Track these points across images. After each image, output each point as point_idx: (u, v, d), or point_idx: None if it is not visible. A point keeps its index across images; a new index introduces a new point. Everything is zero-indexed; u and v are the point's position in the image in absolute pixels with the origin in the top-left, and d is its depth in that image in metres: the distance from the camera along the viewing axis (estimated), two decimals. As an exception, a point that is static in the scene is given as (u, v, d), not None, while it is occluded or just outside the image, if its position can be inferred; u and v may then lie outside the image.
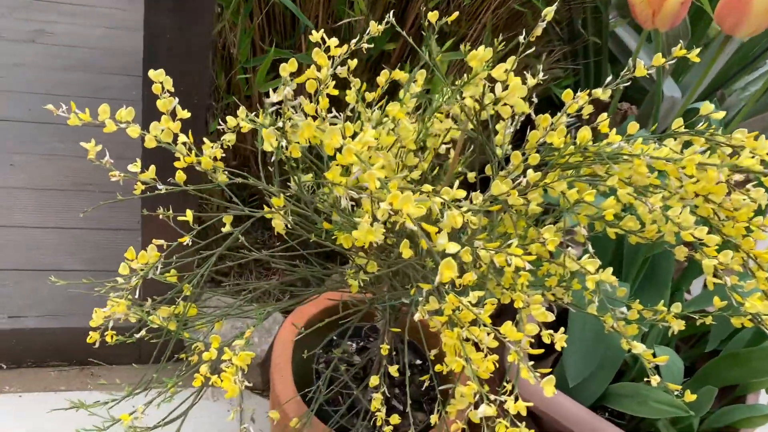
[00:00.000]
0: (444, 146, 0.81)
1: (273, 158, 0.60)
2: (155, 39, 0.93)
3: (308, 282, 0.90)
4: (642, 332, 0.99)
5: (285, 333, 1.16)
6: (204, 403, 1.37)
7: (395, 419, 0.72)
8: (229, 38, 1.29)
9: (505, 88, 0.61)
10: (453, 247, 0.43)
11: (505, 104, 0.68)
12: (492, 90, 0.64)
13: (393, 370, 0.71)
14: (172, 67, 0.97)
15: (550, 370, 0.53)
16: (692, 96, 0.95)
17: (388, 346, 0.72)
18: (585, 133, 0.59)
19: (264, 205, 0.67)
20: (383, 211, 0.46)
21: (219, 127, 0.73)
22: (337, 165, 0.54)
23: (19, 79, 1.82)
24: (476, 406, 0.58)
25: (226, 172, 0.72)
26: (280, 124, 0.55)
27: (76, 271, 1.43)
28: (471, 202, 0.65)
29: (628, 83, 0.71)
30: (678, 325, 0.77)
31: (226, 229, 0.73)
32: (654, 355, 0.67)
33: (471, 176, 0.81)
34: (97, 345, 0.69)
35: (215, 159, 0.73)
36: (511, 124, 0.75)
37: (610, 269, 0.58)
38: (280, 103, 0.66)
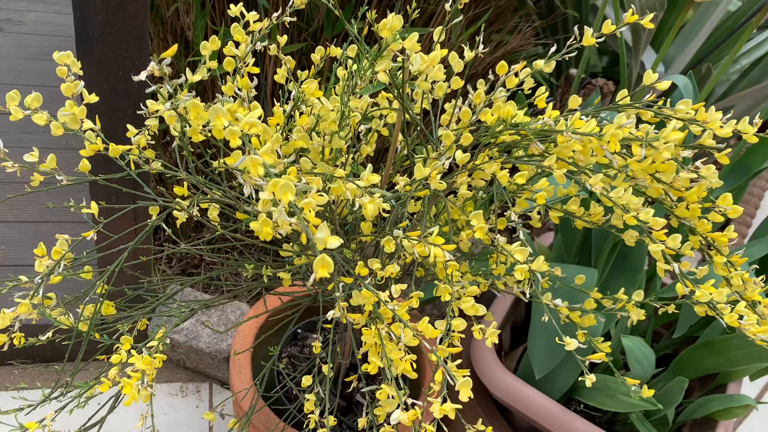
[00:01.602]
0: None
1: (175, 143, 0.55)
2: (87, 21, 0.87)
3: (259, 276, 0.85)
4: (609, 321, 0.94)
5: (245, 328, 1.12)
6: (172, 400, 1.33)
7: (332, 421, 0.67)
8: (185, 21, 1.24)
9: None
10: (334, 242, 0.37)
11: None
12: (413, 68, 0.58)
13: (326, 369, 0.66)
14: (108, 51, 0.92)
15: (468, 371, 0.48)
16: (657, 65, 0.89)
17: (320, 344, 0.67)
18: (508, 108, 0.53)
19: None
20: (264, 202, 0.41)
21: (140, 111, 0.68)
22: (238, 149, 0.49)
23: (-13, 70, 1.78)
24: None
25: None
26: (168, 105, 0.49)
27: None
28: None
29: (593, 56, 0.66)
30: (637, 315, 0.71)
31: (154, 219, 0.68)
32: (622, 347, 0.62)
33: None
34: (5, 348, 0.64)
35: (144, 147, 0.69)
36: (463, 102, 0.70)
37: (542, 258, 0.52)
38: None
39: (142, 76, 0.46)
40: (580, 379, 0.97)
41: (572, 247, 1.01)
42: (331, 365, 0.66)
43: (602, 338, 0.74)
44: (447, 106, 0.72)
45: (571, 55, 0.65)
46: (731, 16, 1.46)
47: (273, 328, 1.10)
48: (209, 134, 0.56)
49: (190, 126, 0.54)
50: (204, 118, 0.48)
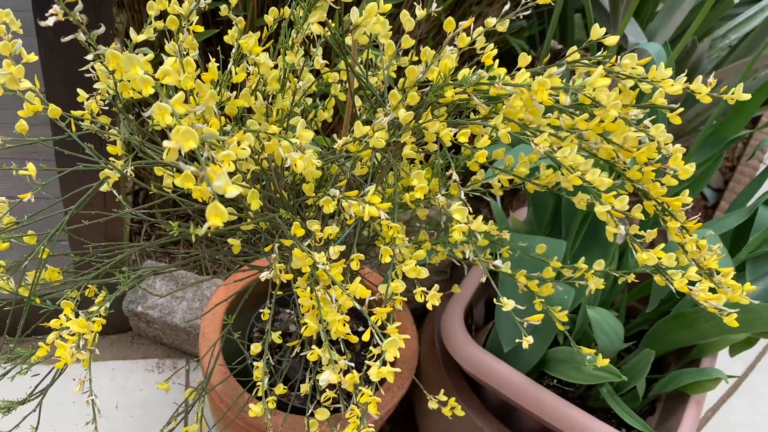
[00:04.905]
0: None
1: (107, 100, 0.53)
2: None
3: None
4: (580, 295, 0.92)
5: (214, 303, 1.11)
6: (148, 376, 1.32)
7: (280, 389, 0.66)
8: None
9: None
10: (233, 190, 0.36)
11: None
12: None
13: (275, 336, 0.65)
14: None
15: (398, 326, 0.46)
16: (625, 27, 0.86)
17: (270, 311, 0.66)
18: (445, 61, 0.52)
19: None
20: (170, 150, 0.39)
21: (88, 74, 0.67)
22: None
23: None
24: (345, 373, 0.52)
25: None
26: (90, 56, 0.48)
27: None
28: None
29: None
30: (595, 283, 0.70)
31: (104, 188, 0.67)
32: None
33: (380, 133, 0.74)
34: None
35: (98, 113, 0.67)
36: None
37: (480, 217, 0.51)
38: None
39: (50, 21, 0.44)
40: (549, 350, 0.96)
41: (543, 219, 0.99)
42: (280, 333, 0.65)
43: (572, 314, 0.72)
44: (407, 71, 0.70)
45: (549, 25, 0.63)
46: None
47: (243, 303, 1.09)
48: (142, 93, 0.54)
49: (119, 81, 0.52)
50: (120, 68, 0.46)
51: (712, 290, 0.60)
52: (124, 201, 0.71)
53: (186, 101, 0.54)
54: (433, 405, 0.72)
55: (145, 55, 0.45)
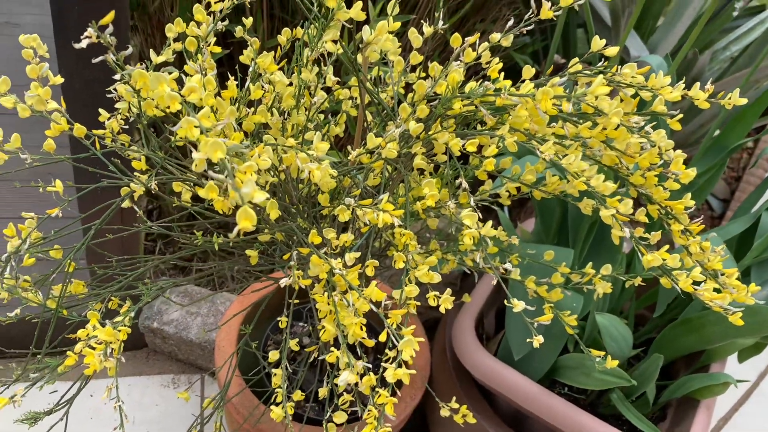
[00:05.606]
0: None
1: (132, 118, 0.56)
2: (63, 11, 0.89)
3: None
4: (589, 302, 0.94)
5: (229, 316, 1.13)
6: (164, 391, 1.34)
7: (298, 395, 0.68)
8: (169, 15, 1.26)
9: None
10: (260, 196, 0.38)
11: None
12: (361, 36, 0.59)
13: (293, 343, 0.67)
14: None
15: (413, 329, 0.48)
16: (625, 39, 0.89)
17: (287, 319, 0.68)
18: (453, 74, 0.54)
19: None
20: (198, 162, 0.42)
21: (110, 95, 0.69)
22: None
23: (-16, 72, 1.80)
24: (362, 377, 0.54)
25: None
26: (118, 76, 0.50)
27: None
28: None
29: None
30: (603, 288, 0.72)
31: (126, 203, 0.69)
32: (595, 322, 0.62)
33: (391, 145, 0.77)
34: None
35: (119, 132, 0.70)
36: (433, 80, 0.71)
37: (490, 223, 0.53)
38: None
39: (83, 44, 0.47)
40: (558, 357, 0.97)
41: (551, 228, 1.01)
42: (298, 340, 0.67)
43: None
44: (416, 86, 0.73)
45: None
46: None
47: (258, 315, 1.11)
48: (167, 109, 0.57)
49: (143, 99, 0.55)
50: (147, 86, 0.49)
51: (717, 290, 0.61)
52: (143, 217, 0.73)
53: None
54: (445, 413, 0.74)
55: (170, 74, 0.48)
